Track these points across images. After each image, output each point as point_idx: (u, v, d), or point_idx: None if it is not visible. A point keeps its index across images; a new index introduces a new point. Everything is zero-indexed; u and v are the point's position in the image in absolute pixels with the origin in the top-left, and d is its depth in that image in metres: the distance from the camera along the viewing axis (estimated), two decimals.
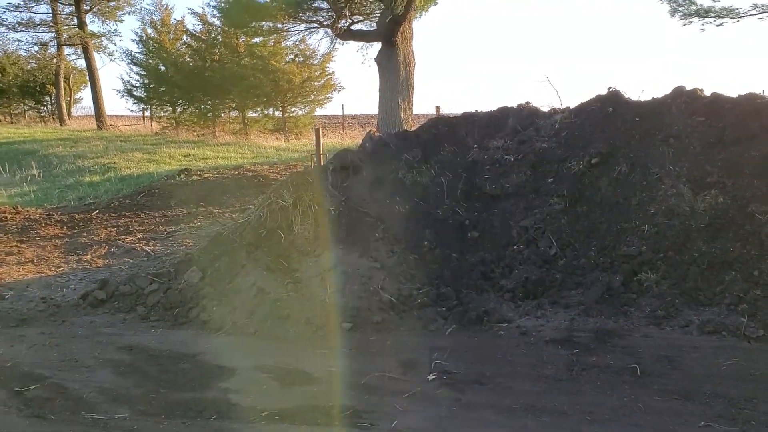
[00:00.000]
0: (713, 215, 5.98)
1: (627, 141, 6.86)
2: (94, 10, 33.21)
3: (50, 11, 33.27)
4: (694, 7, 13.60)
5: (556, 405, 4.14)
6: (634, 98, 7.41)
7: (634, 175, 6.54)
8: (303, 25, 18.62)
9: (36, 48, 37.25)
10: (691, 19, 14.01)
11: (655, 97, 7.32)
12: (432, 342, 5.35)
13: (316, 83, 26.99)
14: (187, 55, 28.35)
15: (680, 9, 13.59)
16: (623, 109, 7.21)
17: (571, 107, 7.67)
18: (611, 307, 5.45)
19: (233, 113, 28.49)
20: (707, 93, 7.18)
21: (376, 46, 16.87)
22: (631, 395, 4.19)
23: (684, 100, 7.10)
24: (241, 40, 25.62)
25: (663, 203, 6.19)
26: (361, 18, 18.82)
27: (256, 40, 24.47)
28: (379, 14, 16.91)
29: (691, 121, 6.83)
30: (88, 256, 8.76)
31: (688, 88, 7.26)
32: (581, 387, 4.36)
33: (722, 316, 5.14)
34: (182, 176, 14.20)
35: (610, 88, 7.50)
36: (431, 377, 4.68)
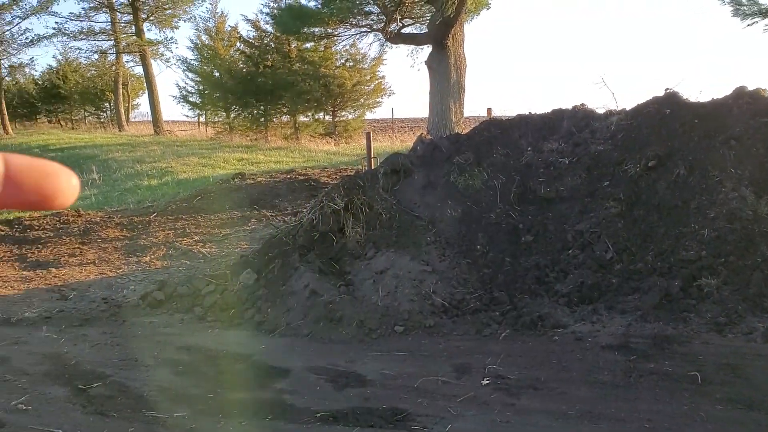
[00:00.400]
0: None
1: (685, 143, 6.69)
2: (151, 18, 34.17)
3: (109, 20, 34.39)
4: (756, 7, 13.14)
5: (612, 412, 4.06)
6: (692, 99, 7.23)
7: (693, 178, 6.37)
8: (353, 30, 18.77)
9: (96, 56, 38.57)
10: (755, 19, 13.54)
11: (714, 98, 7.13)
12: (485, 347, 5.32)
13: (366, 87, 27.15)
14: (241, 62, 28.89)
15: (743, 9, 13.15)
16: (681, 110, 7.03)
17: (627, 109, 7.52)
18: (670, 312, 5.31)
19: (285, 118, 28.90)
20: None
21: (427, 49, 16.87)
22: (691, 403, 4.08)
23: (746, 101, 6.88)
24: (292, 45, 25.97)
25: (724, 207, 6.00)
26: (411, 21, 18.85)
27: (308, 45, 24.79)
28: (429, 17, 16.91)
29: (754, 122, 6.61)
30: (147, 258, 9.01)
31: (750, 88, 7.05)
32: (639, 394, 4.26)
33: None
34: (236, 180, 14.47)
35: (667, 89, 7.34)
36: (485, 382, 4.65)
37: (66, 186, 0.69)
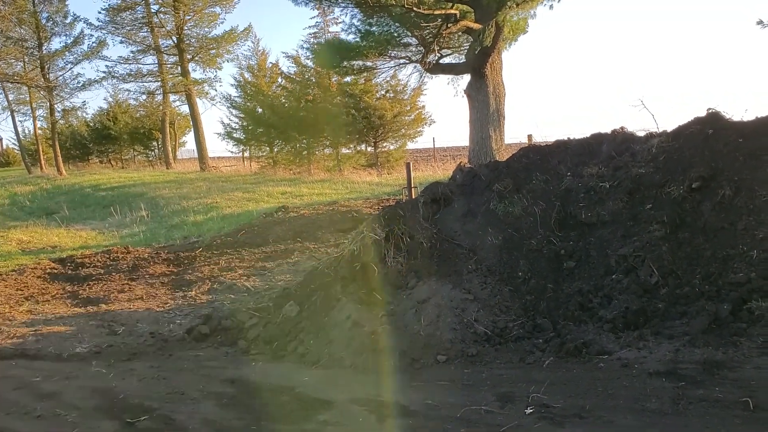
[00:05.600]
0: None
1: (730, 163, 6.55)
2: (196, 59, 35.28)
3: (156, 62, 35.66)
4: None
5: None
6: (735, 119, 7.09)
7: (740, 198, 6.22)
8: (392, 62, 19.04)
9: (144, 97, 40.00)
10: None
11: (759, 116, 6.97)
12: (529, 375, 5.24)
13: (407, 117, 27.42)
14: (283, 97, 29.53)
15: None
16: (725, 130, 6.90)
17: (669, 131, 7.42)
18: (719, 337, 5.16)
19: (327, 150, 29.31)
20: None
21: (466, 78, 16.98)
22: (743, 431, 3.94)
23: None
24: (333, 79, 26.42)
25: None
26: (449, 51, 19.04)
27: (348, 79, 25.19)
28: (467, 47, 17.04)
29: None
30: (193, 293, 9.18)
31: None
32: (688, 421, 4.14)
33: None
34: (279, 213, 14.69)
35: (709, 109, 7.22)
36: (529, 411, 4.58)
37: None
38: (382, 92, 27.17)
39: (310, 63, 26.94)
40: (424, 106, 28.69)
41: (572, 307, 6.13)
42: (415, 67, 19.07)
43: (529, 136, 17.26)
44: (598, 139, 7.92)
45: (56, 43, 48.92)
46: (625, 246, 6.43)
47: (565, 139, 8.25)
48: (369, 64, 18.99)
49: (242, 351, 6.62)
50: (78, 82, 35.72)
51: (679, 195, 6.52)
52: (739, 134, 6.77)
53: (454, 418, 4.59)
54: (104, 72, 37.21)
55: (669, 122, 8.43)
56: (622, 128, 7.92)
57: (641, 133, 7.71)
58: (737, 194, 6.28)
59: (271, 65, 31.94)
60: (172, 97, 38.76)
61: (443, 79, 19.40)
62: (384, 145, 28.27)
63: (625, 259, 6.30)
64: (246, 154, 35.28)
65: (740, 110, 10.07)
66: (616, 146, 7.63)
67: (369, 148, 28.72)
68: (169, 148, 39.11)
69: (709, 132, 6.91)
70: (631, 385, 4.76)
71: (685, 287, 5.77)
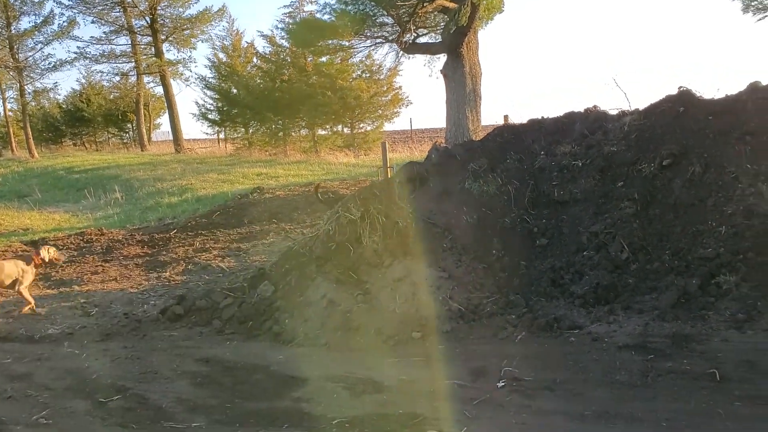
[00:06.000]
0: None
1: (700, 141, 6.63)
2: (170, 39, 34.71)
3: (130, 43, 35.04)
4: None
5: (630, 412, 4.03)
6: (706, 97, 7.16)
7: (709, 175, 6.31)
8: (368, 41, 18.85)
9: (117, 78, 39.38)
10: (765, 14, 13.45)
11: (728, 94, 7.06)
12: (501, 350, 5.30)
13: (383, 98, 27.32)
14: (258, 77, 29.23)
15: (753, 4, 13.05)
16: (695, 108, 6.97)
17: (641, 109, 7.48)
18: (688, 311, 5.26)
19: (303, 132, 29.14)
20: None
21: (443, 58, 16.91)
22: (710, 401, 4.03)
23: (760, 96, 6.81)
24: (308, 59, 26.20)
25: (741, 203, 5.94)
26: (425, 31, 18.91)
27: (324, 58, 24.99)
28: (443, 26, 16.95)
29: None
30: (167, 274, 9.12)
31: (764, 83, 6.97)
32: (657, 393, 4.23)
33: None
34: (255, 194, 14.61)
35: (680, 87, 7.28)
36: (501, 384, 4.64)
37: None
38: (359, 72, 27.02)
39: (285, 43, 26.66)
40: (400, 87, 28.70)
41: (544, 284, 6.21)
42: (391, 46, 18.89)
43: (505, 117, 17.25)
44: (571, 117, 7.97)
45: (25, 23, 47.89)
46: (597, 223, 6.50)
47: (539, 118, 8.28)
48: (345, 43, 18.78)
49: (217, 331, 6.61)
50: (49, 63, 35.11)
51: (650, 172, 6.60)
52: (709, 112, 6.85)
53: (428, 393, 4.64)
54: (76, 53, 36.55)
55: (641, 100, 8.48)
56: (594, 107, 7.97)
57: (614, 112, 7.77)
58: (707, 171, 6.37)
59: (246, 45, 31.55)
60: (146, 79, 38.20)
61: (420, 59, 19.35)
62: (361, 126, 28.18)
63: (596, 236, 6.38)
64: (221, 136, 34.93)
65: (712, 88, 10.19)
66: (588, 125, 7.67)
67: (346, 129, 28.61)
68: (144, 130, 38.63)
69: (680, 110, 6.98)
70: (600, 358, 4.84)
71: (655, 263, 5.86)
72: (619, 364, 4.68)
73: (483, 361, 5.10)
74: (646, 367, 4.59)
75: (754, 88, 6.93)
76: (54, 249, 8.40)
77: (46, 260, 8.05)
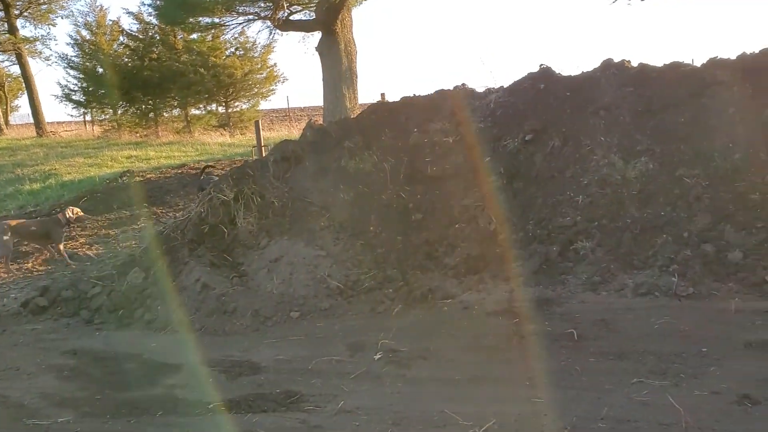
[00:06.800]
0: (644, 182, 6.18)
1: (559, 116, 7.02)
2: (26, 14, 32.14)
3: None
4: None
5: (497, 373, 4.25)
6: (566, 73, 7.58)
7: (567, 148, 6.70)
8: (241, 18, 18.37)
9: None
10: None
11: (584, 71, 7.50)
12: (379, 323, 5.42)
13: (258, 76, 26.77)
14: (125, 56, 27.71)
15: None
16: (555, 84, 7.36)
17: (505, 86, 7.79)
18: (549, 276, 5.60)
19: (175, 111, 28.02)
20: (635, 64, 7.39)
21: (317, 36, 16.78)
22: (568, 359, 4.33)
23: (612, 72, 7.29)
24: (178, 37, 25.18)
25: (596, 174, 6.36)
26: (299, 8, 18.65)
27: (194, 36, 24.11)
28: (317, 3, 16.80)
29: (621, 92, 7.02)
30: (30, 264, 8.58)
31: (617, 60, 7.45)
32: (521, 354, 4.48)
33: (655, 277, 5.32)
34: (125, 178, 13.97)
35: (541, 65, 7.66)
36: (377, 357, 4.75)
37: None
38: (232, 50, 26.30)
39: (153, 20, 25.44)
40: (275, 64, 28.13)
41: (420, 257, 6.38)
42: (264, 23, 18.49)
43: (382, 95, 17.44)
44: (442, 95, 8.16)
45: None
46: (467, 197, 6.75)
47: (412, 96, 8.43)
48: (216, 20, 18.21)
49: (85, 321, 6.30)
50: None
51: (514, 147, 6.92)
52: (567, 88, 7.26)
53: (306, 371, 4.67)
54: None
55: (508, 77, 8.86)
56: (463, 85, 8.22)
57: (481, 89, 8.04)
58: (565, 145, 6.77)
59: (111, 22, 29.79)
60: (0, 57, 35.24)
61: (295, 36, 19.08)
62: (236, 104, 27.47)
63: (467, 209, 6.62)
64: (87, 118, 32.89)
65: (573, 66, 10.79)
66: (458, 102, 7.90)
67: (220, 109, 27.81)
68: (0, 113, 35.72)
69: (541, 87, 7.35)
70: (471, 325, 5.06)
71: (520, 232, 6.18)
72: (488, 330, 4.92)
73: (361, 336, 5.20)
74: (512, 330, 4.85)
75: (607, 65, 7.41)
76: (78, 209, 9.08)
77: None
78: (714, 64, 6.97)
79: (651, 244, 5.68)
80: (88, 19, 29.80)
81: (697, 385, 3.81)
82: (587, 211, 6.08)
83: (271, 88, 27.67)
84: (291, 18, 17.67)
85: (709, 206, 5.77)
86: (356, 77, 16.88)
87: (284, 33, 18.82)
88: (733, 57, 6.97)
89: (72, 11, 33.04)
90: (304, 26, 17.83)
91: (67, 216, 8.63)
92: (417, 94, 8.38)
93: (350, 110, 16.14)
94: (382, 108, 8.54)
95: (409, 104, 8.26)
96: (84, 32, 29.15)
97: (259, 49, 26.48)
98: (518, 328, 4.86)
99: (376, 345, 4.95)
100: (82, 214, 9.05)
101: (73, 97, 30.37)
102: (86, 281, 6.89)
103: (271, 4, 16.80)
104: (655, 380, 3.91)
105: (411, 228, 6.77)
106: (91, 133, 29.27)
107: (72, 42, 29.71)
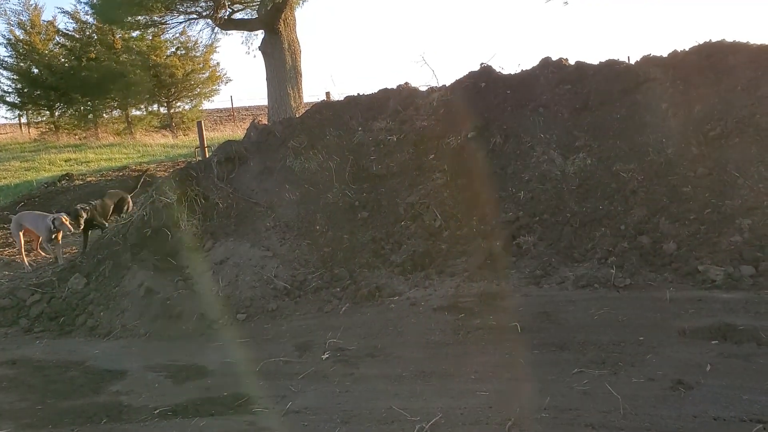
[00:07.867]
0: (582, 177, 6.35)
1: (500, 113, 7.15)
2: None
3: None
4: None
5: (443, 368, 4.32)
6: (506, 72, 7.71)
7: (509, 145, 6.84)
8: (182, 17, 18.05)
9: None
10: None
11: (524, 69, 7.65)
12: (327, 322, 5.43)
13: (200, 76, 26.38)
14: (61, 56, 26.90)
15: None
16: (495, 83, 7.49)
17: (447, 85, 7.89)
18: (493, 271, 5.70)
19: (116, 113, 27.36)
20: (572, 62, 7.57)
21: (260, 35, 16.63)
22: (512, 351, 4.42)
23: (551, 70, 7.46)
24: (117, 36, 24.58)
25: (536, 170, 6.51)
26: (241, 7, 18.44)
27: (134, 34, 23.57)
28: (259, 2, 16.64)
29: (559, 89, 7.19)
30: None
31: (555, 58, 7.63)
32: (467, 349, 4.56)
33: (594, 269, 5.48)
34: (63, 182, 13.58)
35: (482, 64, 7.78)
36: (325, 356, 4.76)
37: None
38: (173, 49, 25.84)
39: (90, 19, 24.75)
40: (218, 64, 27.80)
41: (367, 255, 6.41)
42: (206, 22, 18.23)
43: (327, 94, 17.37)
44: (385, 94, 8.21)
45: None
46: (412, 194, 6.82)
47: (356, 95, 8.45)
48: (156, 19, 17.83)
49: (24, 330, 6.13)
50: None
51: (457, 145, 7.01)
52: (507, 86, 7.40)
53: (253, 373, 4.65)
54: None
55: (450, 76, 8.98)
56: (406, 83, 8.28)
57: (424, 88, 8.12)
58: (507, 142, 6.90)
59: (46, 22, 28.84)
60: None
61: (237, 36, 18.86)
62: (178, 105, 27.01)
63: (412, 207, 6.69)
64: (23, 120, 31.79)
65: (515, 64, 10.98)
66: (401, 101, 7.96)
67: (162, 109, 27.28)
68: None
69: (482, 85, 7.46)
70: (418, 321, 5.12)
71: (465, 228, 6.27)
72: (434, 325, 4.99)
73: (309, 336, 5.20)
74: (458, 325, 4.93)
75: (545, 63, 7.58)
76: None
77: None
78: (647, 61, 7.20)
79: (590, 237, 5.84)
80: (21, 18, 28.74)
81: (635, 372, 3.94)
82: (529, 207, 6.22)
83: (214, 88, 27.33)
84: (233, 17, 17.46)
85: (645, 199, 5.97)
86: (301, 76, 16.79)
87: (227, 32, 18.56)
88: (665, 55, 7.23)
89: (5, 9, 31.72)
90: (246, 25, 17.62)
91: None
92: (361, 93, 8.42)
93: (295, 109, 16.04)
94: (326, 107, 8.54)
95: (354, 103, 8.28)
96: (18, 32, 28.15)
97: (201, 48, 26.10)
98: (464, 322, 4.94)
99: (324, 344, 4.96)
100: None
101: (7, 99, 29.28)
102: (25, 289, 6.69)
103: (212, 3, 16.57)
104: (595, 369, 4.04)
105: (357, 226, 6.80)
106: (27, 136, 28.29)
107: (4, 42, 28.64)
